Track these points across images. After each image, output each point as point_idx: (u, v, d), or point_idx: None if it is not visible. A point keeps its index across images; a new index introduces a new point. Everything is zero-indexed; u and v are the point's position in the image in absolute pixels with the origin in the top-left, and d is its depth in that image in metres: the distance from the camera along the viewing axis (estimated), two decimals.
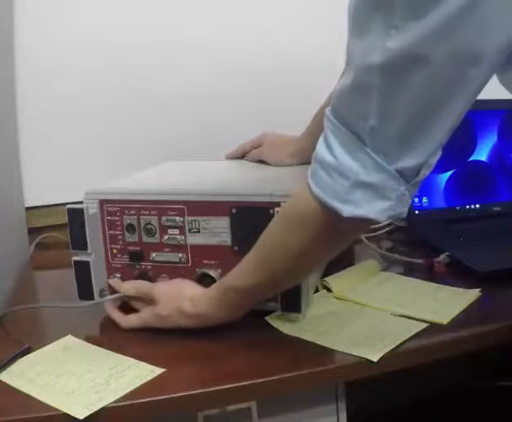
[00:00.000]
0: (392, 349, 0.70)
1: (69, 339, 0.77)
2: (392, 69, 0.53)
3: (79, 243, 0.80)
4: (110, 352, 0.73)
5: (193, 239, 0.79)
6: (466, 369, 1.06)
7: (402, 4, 0.51)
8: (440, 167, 1.10)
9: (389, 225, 1.14)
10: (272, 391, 0.67)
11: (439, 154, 0.59)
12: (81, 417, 0.60)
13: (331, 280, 0.89)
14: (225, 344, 0.73)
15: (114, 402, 0.62)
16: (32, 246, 1.19)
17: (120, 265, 0.82)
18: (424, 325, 0.75)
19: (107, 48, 1.20)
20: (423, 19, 0.50)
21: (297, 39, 1.29)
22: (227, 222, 0.78)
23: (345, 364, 0.69)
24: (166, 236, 0.80)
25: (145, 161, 1.02)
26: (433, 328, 0.75)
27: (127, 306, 0.81)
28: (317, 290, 0.88)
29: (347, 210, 0.58)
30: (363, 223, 0.60)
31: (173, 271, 0.81)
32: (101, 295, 0.82)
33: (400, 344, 0.71)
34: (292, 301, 0.76)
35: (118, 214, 0.81)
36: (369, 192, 0.57)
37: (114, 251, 0.82)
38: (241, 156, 1.10)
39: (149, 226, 0.80)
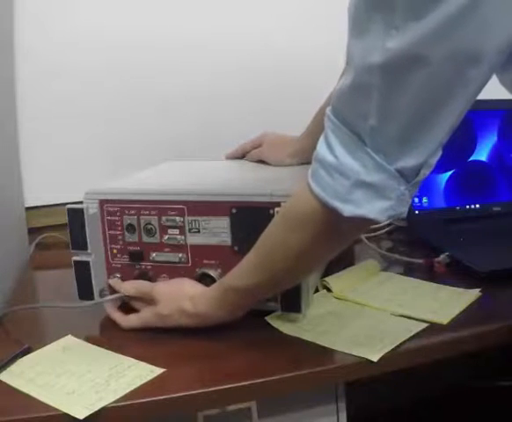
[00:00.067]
0: (392, 349, 0.70)
1: (69, 339, 0.77)
2: (392, 69, 0.53)
3: (79, 243, 0.80)
4: (110, 352, 0.73)
5: (193, 239, 0.79)
6: (466, 369, 1.06)
7: (402, 5, 0.51)
8: (440, 167, 1.10)
9: (389, 225, 1.14)
10: (272, 391, 0.67)
11: (439, 154, 0.59)
12: (81, 417, 0.60)
13: (331, 280, 0.89)
14: (225, 343, 0.73)
15: (114, 402, 0.62)
16: (32, 246, 1.19)
17: (120, 265, 0.82)
18: (424, 325, 0.75)
19: (107, 48, 1.20)
20: (423, 19, 0.50)
21: (297, 39, 1.29)
22: (227, 222, 0.78)
23: (345, 364, 0.69)
24: (166, 236, 0.80)
25: (145, 161, 1.02)
26: (433, 328, 0.75)
27: (127, 306, 0.81)
28: (317, 290, 0.88)
29: (347, 210, 0.58)
30: (364, 223, 0.60)
31: (173, 271, 0.81)
32: (101, 295, 0.82)
33: (400, 344, 0.71)
34: (292, 301, 0.76)
35: (118, 214, 0.81)
36: (369, 192, 0.57)
37: (114, 251, 0.82)
38: (241, 156, 1.10)
39: (149, 226, 0.80)
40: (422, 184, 0.61)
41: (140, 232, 0.80)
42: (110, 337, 0.77)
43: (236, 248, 0.78)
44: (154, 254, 0.81)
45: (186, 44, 1.24)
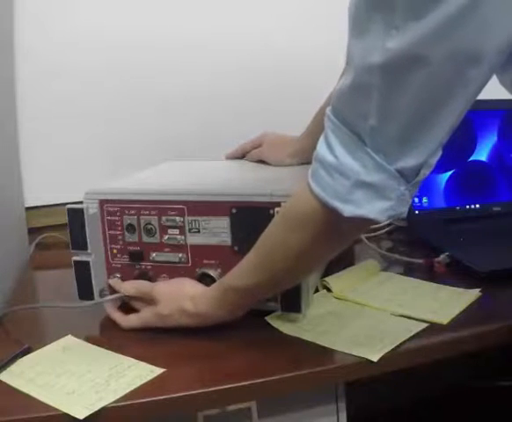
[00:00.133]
0: (392, 349, 0.70)
1: (69, 339, 0.77)
2: (392, 69, 0.53)
3: (79, 243, 0.80)
4: (110, 352, 0.73)
5: (193, 239, 0.79)
6: (466, 369, 1.06)
7: (402, 5, 0.51)
8: (440, 167, 1.10)
9: (389, 225, 1.14)
10: (272, 391, 0.67)
11: (439, 154, 0.59)
12: (81, 417, 0.60)
13: (331, 280, 0.89)
14: (225, 343, 0.73)
15: (114, 402, 0.62)
16: (32, 246, 1.19)
17: (120, 265, 0.82)
18: (424, 325, 0.75)
19: (107, 48, 1.20)
20: (423, 19, 0.50)
21: (297, 39, 1.29)
22: (227, 222, 0.78)
23: (345, 364, 0.69)
24: (166, 236, 0.80)
25: (145, 161, 1.02)
26: (433, 328, 0.75)
27: (127, 306, 0.81)
28: (317, 290, 0.88)
29: (347, 210, 0.58)
30: (364, 223, 0.60)
31: (173, 271, 0.81)
32: (101, 295, 0.82)
33: (400, 344, 0.71)
34: (292, 301, 0.76)
35: (118, 214, 0.81)
36: (369, 192, 0.57)
37: (114, 251, 0.82)
38: (241, 156, 1.10)
39: (149, 226, 0.80)
40: (422, 184, 0.61)
41: (140, 232, 0.80)
42: (110, 337, 0.77)
43: (236, 248, 0.78)
44: (154, 254, 0.81)
45: (186, 44, 1.24)
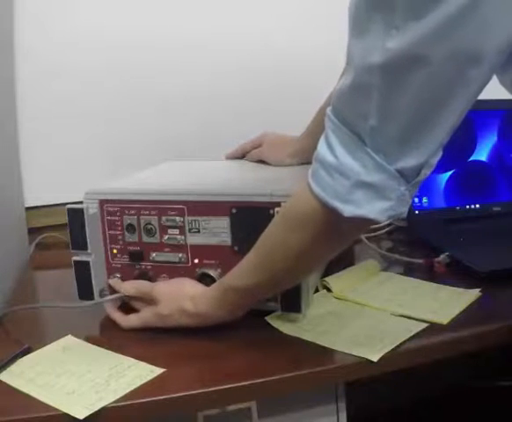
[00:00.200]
0: (392, 349, 0.70)
1: (69, 339, 0.77)
2: (392, 69, 0.53)
3: (79, 243, 0.80)
4: (110, 352, 0.73)
5: (193, 239, 0.79)
6: (466, 369, 1.06)
7: (402, 5, 0.51)
8: (440, 167, 1.10)
9: (389, 225, 1.14)
10: (272, 391, 0.67)
11: (440, 154, 0.59)
12: (81, 417, 0.60)
13: (331, 280, 0.89)
14: (225, 343, 0.73)
15: (114, 402, 0.62)
16: (32, 246, 1.19)
17: (120, 265, 0.82)
18: (424, 325, 0.75)
19: (107, 48, 1.20)
20: (423, 19, 0.50)
21: (297, 39, 1.29)
22: (227, 222, 0.77)
23: (345, 364, 0.69)
24: (166, 236, 0.80)
25: (145, 161, 1.02)
26: (433, 328, 0.75)
27: (127, 306, 0.81)
28: (317, 290, 0.88)
29: (347, 210, 0.58)
30: (364, 223, 0.60)
31: (173, 271, 0.81)
32: (101, 295, 0.82)
33: (400, 344, 0.71)
34: (292, 301, 0.76)
35: (118, 214, 0.81)
36: (369, 193, 0.57)
37: (114, 251, 0.82)
38: (241, 156, 1.10)
39: (149, 226, 0.80)
40: (422, 184, 0.61)
41: (140, 232, 0.80)
42: (110, 337, 0.77)
43: (236, 248, 0.78)
44: (154, 254, 0.81)
45: (186, 44, 1.24)
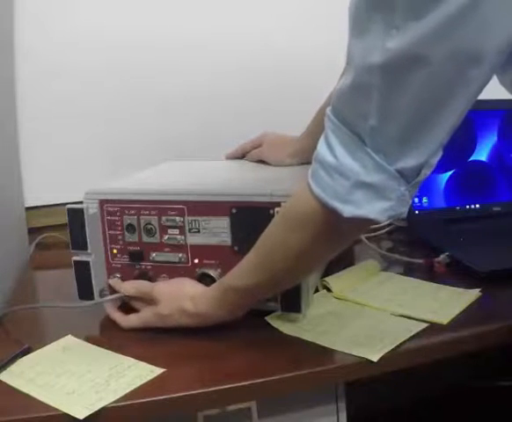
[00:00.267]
0: (392, 349, 0.70)
1: (69, 339, 0.77)
2: (392, 69, 0.53)
3: (79, 243, 0.80)
4: (110, 352, 0.73)
5: (193, 239, 0.79)
6: (466, 369, 1.06)
7: (402, 4, 0.51)
8: (440, 167, 1.10)
9: (389, 225, 1.14)
10: (272, 391, 0.67)
11: (440, 154, 0.59)
12: (81, 417, 0.60)
13: (331, 280, 0.89)
14: (225, 344, 0.73)
15: (114, 402, 0.62)
16: (32, 246, 1.19)
17: (120, 265, 0.82)
18: (424, 325, 0.75)
19: (107, 48, 1.20)
20: (423, 19, 0.50)
21: (297, 39, 1.29)
22: (227, 222, 0.77)
23: (345, 364, 0.69)
24: (166, 236, 0.80)
25: (145, 161, 1.02)
26: (433, 328, 0.75)
27: (127, 306, 0.81)
28: (317, 290, 0.88)
29: (347, 210, 0.58)
30: (364, 223, 0.60)
31: (173, 271, 0.81)
32: (101, 295, 0.82)
33: (400, 344, 0.71)
34: (292, 301, 0.76)
35: (118, 214, 0.81)
36: (369, 193, 0.57)
37: (114, 251, 0.82)
38: (241, 156, 1.10)
39: (149, 226, 0.80)
40: (422, 184, 0.61)
41: (140, 232, 0.80)
42: (110, 337, 0.77)
43: (236, 248, 0.78)
44: (154, 254, 0.81)
45: (186, 44, 1.24)
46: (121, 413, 0.63)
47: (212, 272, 0.78)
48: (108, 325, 0.80)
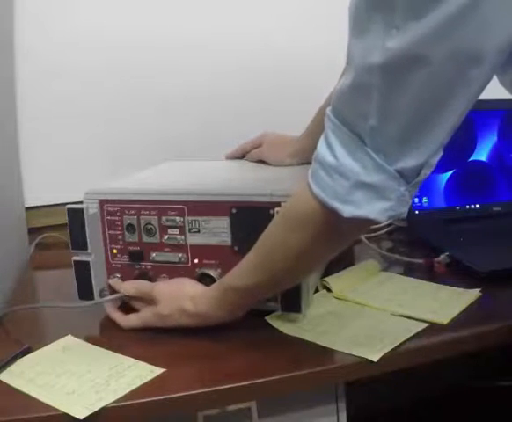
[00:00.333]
0: (392, 349, 0.70)
1: (69, 339, 0.77)
2: (393, 68, 0.53)
3: (79, 243, 0.80)
4: (110, 352, 0.73)
5: (193, 239, 0.79)
6: (466, 369, 1.06)
7: (402, 4, 0.51)
8: (440, 167, 1.10)
9: (389, 225, 1.14)
10: (272, 391, 0.67)
11: (440, 154, 0.59)
12: (81, 417, 0.60)
13: (331, 280, 0.89)
14: (225, 344, 0.73)
15: (114, 402, 0.62)
16: (32, 246, 1.19)
17: (120, 265, 0.82)
18: (424, 325, 0.75)
19: (107, 48, 1.20)
20: (423, 19, 0.50)
21: (297, 39, 1.29)
22: (227, 222, 0.77)
23: (345, 364, 0.69)
24: (166, 236, 0.80)
25: (145, 161, 1.02)
26: (433, 328, 0.75)
27: (127, 306, 0.81)
28: (317, 290, 0.88)
29: (347, 211, 0.58)
30: (363, 224, 0.60)
31: (173, 271, 0.81)
32: (101, 295, 0.82)
33: (400, 344, 0.71)
34: (292, 301, 0.76)
35: (118, 214, 0.81)
36: (369, 193, 0.57)
37: (114, 251, 0.82)
38: (241, 156, 1.10)
39: (149, 226, 0.80)
40: (422, 184, 0.61)
41: (140, 232, 0.80)
42: (110, 337, 0.77)
43: (236, 248, 0.78)
44: (154, 254, 0.81)
45: (186, 44, 1.24)
46: (121, 413, 0.63)
47: (212, 272, 0.78)
48: (108, 325, 0.80)
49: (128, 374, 0.67)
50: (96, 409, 0.61)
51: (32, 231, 1.20)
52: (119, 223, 0.81)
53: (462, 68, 0.52)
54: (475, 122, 1.14)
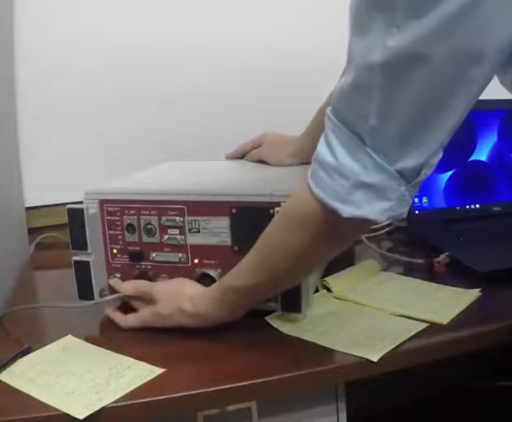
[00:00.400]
0: (392, 349, 0.70)
1: (69, 339, 0.77)
2: (393, 67, 0.53)
3: (79, 243, 0.80)
4: (110, 352, 0.72)
5: (193, 239, 0.79)
6: (466, 369, 1.06)
7: (403, 3, 0.51)
8: (440, 167, 1.09)
9: (389, 225, 1.14)
10: (272, 391, 0.67)
11: (440, 154, 0.59)
12: (81, 417, 0.60)
13: (331, 280, 0.89)
14: (225, 344, 0.73)
15: (114, 402, 0.62)
16: (32, 246, 1.19)
17: (120, 265, 0.82)
18: (424, 325, 0.75)
19: (107, 48, 1.20)
20: (424, 18, 0.50)
21: (297, 39, 1.29)
22: (227, 222, 0.77)
23: (345, 364, 0.69)
24: (166, 236, 0.80)
25: (145, 161, 1.02)
26: (433, 328, 0.75)
27: (127, 306, 0.81)
28: (317, 290, 0.88)
29: (347, 211, 0.58)
30: (363, 224, 0.60)
31: (173, 271, 0.80)
32: (101, 295, 0.82)
33: (400, 344, 0.71)
34: (292, 301, 0.76)
35: (118, 214, 0.81)
36: (369, 193, 0.57)
37: (114, 251, 0.82)
38: (241, 156, 1.10)
39: (149, 226, 0.80)
40: (422, 184, 0.61)
41: (140, 232, 0.80)
42: (110, 337, 0.77)
43: (236, 248, 0.78)
44: (154, 254, 0.81)
45: (186, 44, 1.24)
46: (121, 413, 0.63)
47: (212, 272, 0.78)
48: (108, 325, 0.80)
49: (127, 374, 0.67)
50: (96, 409, 0.61)
51: (32, 231, 1.20)
52: (119, 223, 0.81)
53: (463, 66, 0.52)
54: (475, 122, 1.14)
